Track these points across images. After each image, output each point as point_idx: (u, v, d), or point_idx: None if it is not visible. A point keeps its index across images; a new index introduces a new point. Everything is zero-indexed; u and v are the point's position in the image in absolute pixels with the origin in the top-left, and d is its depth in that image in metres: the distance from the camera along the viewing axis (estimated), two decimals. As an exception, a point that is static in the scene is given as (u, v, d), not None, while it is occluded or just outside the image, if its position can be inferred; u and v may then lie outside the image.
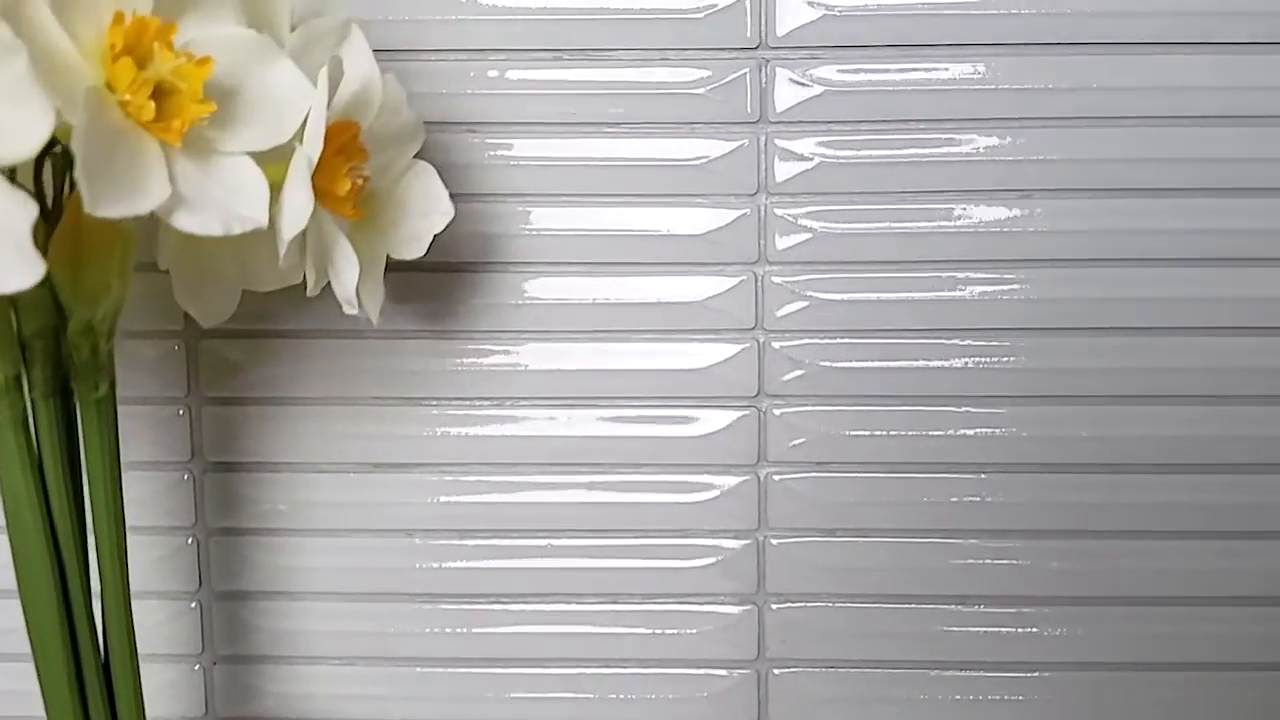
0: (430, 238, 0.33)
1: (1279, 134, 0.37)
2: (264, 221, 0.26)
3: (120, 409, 0.32)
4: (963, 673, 0.39)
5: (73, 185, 0.27)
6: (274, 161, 0.28)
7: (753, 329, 0.38)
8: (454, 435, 0.39)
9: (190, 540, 0.40)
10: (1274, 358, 0.38)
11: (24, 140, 0.23)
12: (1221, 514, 0.38)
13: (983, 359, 0.38)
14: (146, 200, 0.24)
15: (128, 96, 0.25)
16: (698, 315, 0.38)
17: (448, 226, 0.33)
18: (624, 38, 0.37)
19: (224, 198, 0.26)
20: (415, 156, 0.33)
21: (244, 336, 0.39)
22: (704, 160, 0.38)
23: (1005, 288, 0.38)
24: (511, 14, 0.37)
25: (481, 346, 0.39)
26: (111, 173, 0.24)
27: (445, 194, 0.33)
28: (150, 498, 0.39)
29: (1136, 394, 0.38)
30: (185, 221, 0.25)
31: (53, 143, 0.24)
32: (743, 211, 0.38)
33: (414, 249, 0.33)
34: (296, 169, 0.27)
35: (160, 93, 0.25)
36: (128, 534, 0.31)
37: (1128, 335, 0.38)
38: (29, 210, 0.23)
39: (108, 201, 0.23)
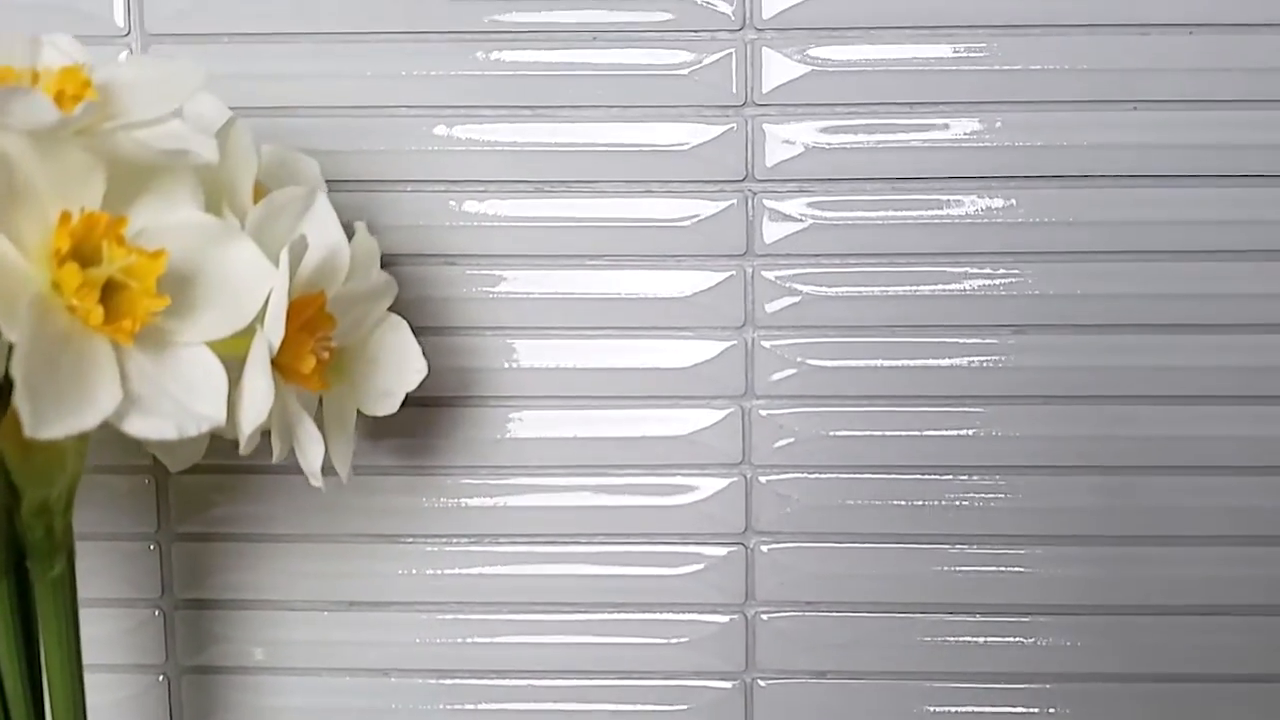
0: (404, 395, 0.32)
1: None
2: (222, 419, 0.25)
3: (89, 544, 0.31)
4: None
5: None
6: (232, 341, 0.27)
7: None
8: (432, 574, 0.38)
9: (161, 678, 0.39)
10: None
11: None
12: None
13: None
14: (95, 412, 0.23)
15: (75, 301, 0.23)
16: (684, 450, 0.37)
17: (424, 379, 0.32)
18: (607, 170, 0.36)
19: (180, 394, 0.25)
20: (391, 307, 0.32)
21: (215, 472, 0.37)
22: (689, 294, 0.37)
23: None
24: (492, 146, 0.36)
25: (461, 482, 0.38)
26: (56, 389, 0.23)
27: (418, 350, 0.32)
28: (119, 635, 0.38)
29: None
30: (137, 426, 0.24)
31: None
32: (731, 343, 0.37)
33: (386, 406, 0.32)
34: (257, 355, 0.26)
35: (111, 287, 0.24)
36: (96, 672, 0.31)
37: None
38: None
39: (50, 423, 0.22)
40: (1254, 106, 0.35)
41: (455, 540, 0.38)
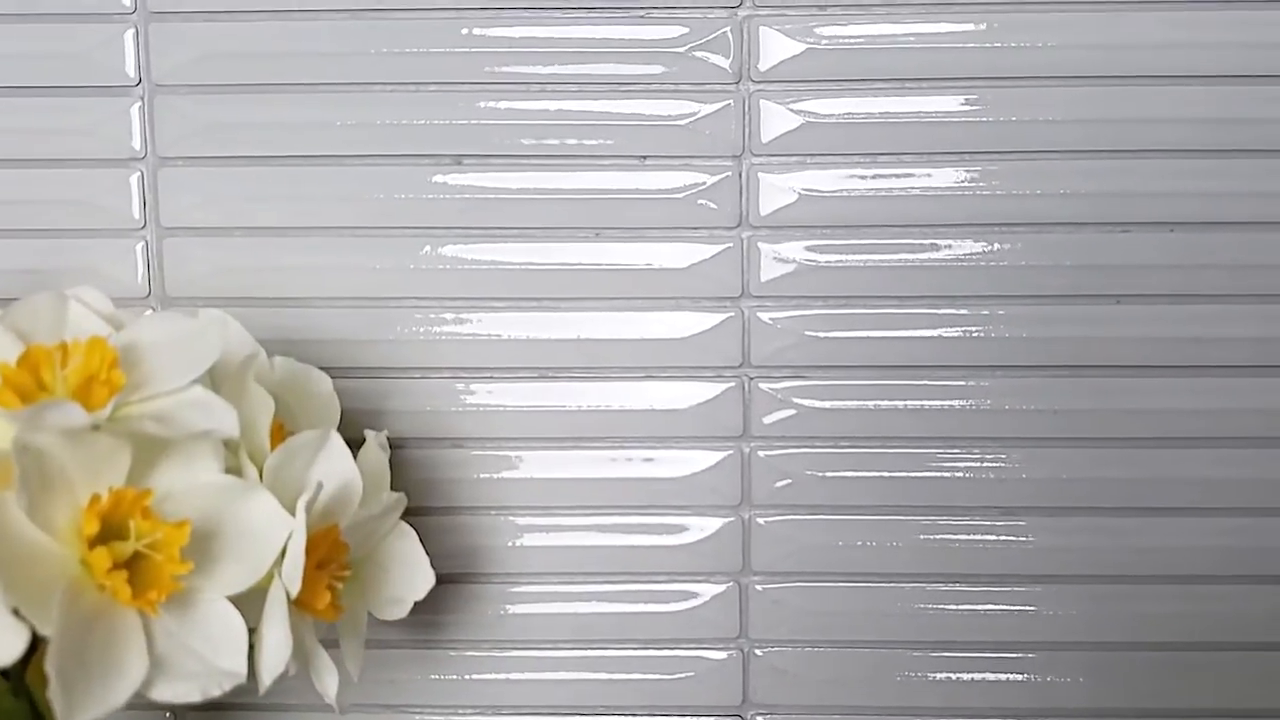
0: (412, 603, 0.33)
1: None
2: (243, 675, 0.26)
3: None
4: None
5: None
6: (252, 589, 0.28)
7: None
8: (438, 745, 0.39)
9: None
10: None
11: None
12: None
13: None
14: (125, 687, 0.24)
15: (105, 582, 0.25)
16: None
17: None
18: (608, 358, 0.37)
19: (204, 650, 0.26)
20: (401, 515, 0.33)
21: (231, 709, 0.38)
22: (692, 473, 0.38)
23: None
24: (497, 337, 0.37)
25: (466, 655, 0.39)
26: (86, 673, 0.24)
27: (426, 560, 0.33)
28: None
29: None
30: (164, 693, 0.25)
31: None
32: (728, 519, 0.38)
33: (396, 612, 0.33)
34: (275, 608, 0.27)
35: (136, 558, 0.25)
36: None
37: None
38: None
39: (84, 709, 0.23)
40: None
41: (460, 711, 0.39)
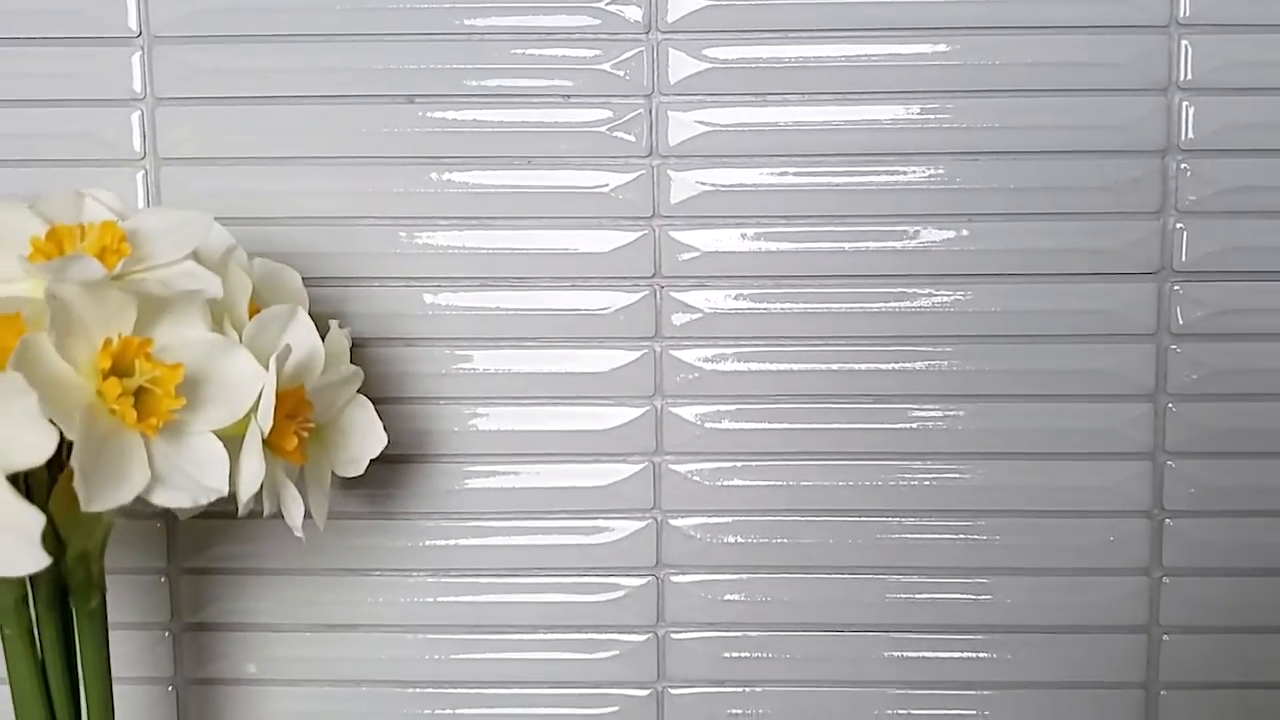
0: (367, 461, 0.39)
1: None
2: (225, 491, 0.33)
3: (111, 578, 0.39)
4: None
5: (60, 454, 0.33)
6: (233, 427, 0.34)
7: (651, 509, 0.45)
8: (396, 601, 0.45)
9: (170, 689, 0.46)
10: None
11: (34, 455, 0.30)
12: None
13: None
14: (130, 489, 0.31)
15: (114, 407, 0.31)
16: (604, 498, 0.45)
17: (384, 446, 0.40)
18: (538, 268, 0.44)
19: (193, 471, 0.33)
20: (359, 389, 0.40)
21: (215, 518, 0.45)
22: (608, 370, 0.44)
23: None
24: (443, 250, 0.44)
25: (420, 525, 0.45)
26: (102, 474, 0.30)
27: (380, 425, 0.39)
28: (136, 653, 0.46)
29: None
30: (161, 498, 0.32)
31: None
32: (643, 409, 0.45)
33: (354, 470, 0.39)
34: (251, 441, 0.34)
35: (140, 391, 0.32)
36: (117, 684, 0.38)
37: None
38: (39, 520, 0.29)
39: (100, 499, 0.30)
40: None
41: (414, 573, 0.46)
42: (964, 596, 0.45)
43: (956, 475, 0.44)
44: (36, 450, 0.30)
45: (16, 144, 0.44)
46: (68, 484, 0.32)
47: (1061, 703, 0.45)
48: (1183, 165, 0.43)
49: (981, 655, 0.45)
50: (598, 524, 0.45)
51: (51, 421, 0.30)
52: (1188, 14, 0.42)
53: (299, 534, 0.37)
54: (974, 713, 0.45)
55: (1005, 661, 0.45)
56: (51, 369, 0.30)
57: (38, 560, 0.30)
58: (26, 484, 0.33)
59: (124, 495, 0.31)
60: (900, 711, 0.46)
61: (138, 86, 0.44)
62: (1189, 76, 0.43)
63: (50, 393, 0.30)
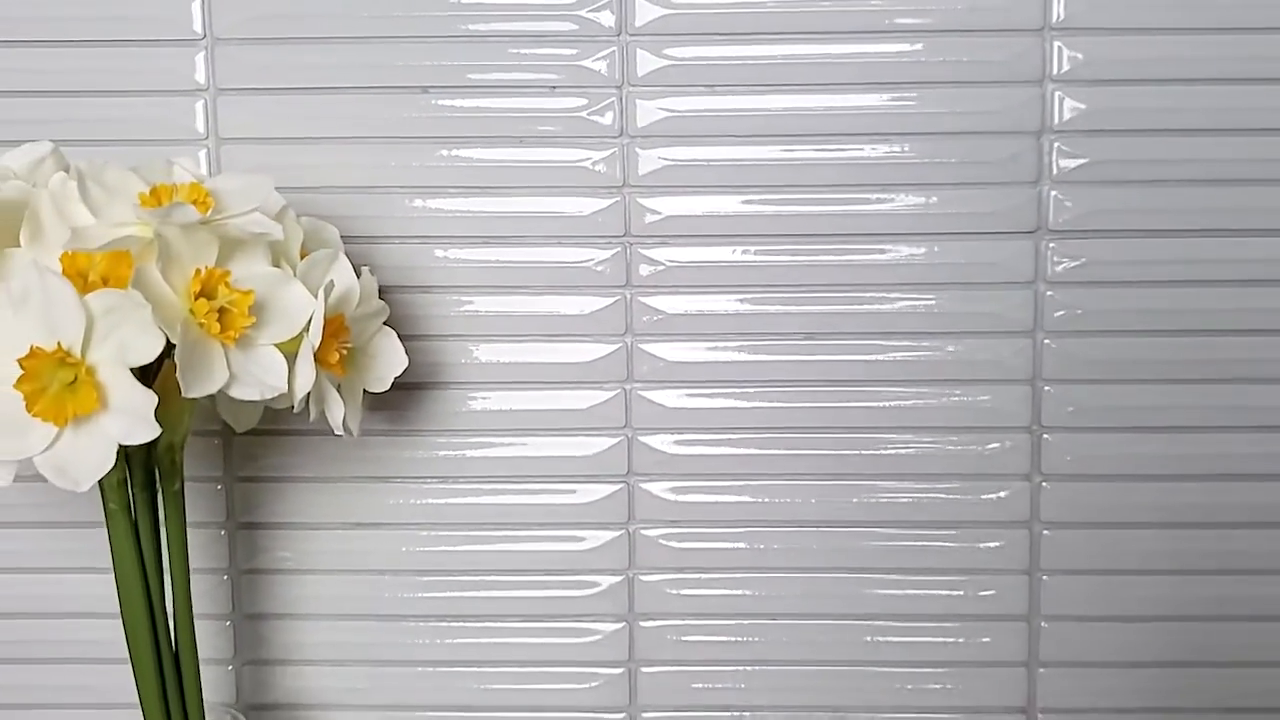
0: (391, 379, 0.49)
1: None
2: (284, 389, 0.42)
3: None
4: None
5: (159, 362, 0.43)
6: (289, 343, 0.44)
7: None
8: (412, 503, 0.55)
9: (225, 578, 0.56)
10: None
11: (149, 352, 0.39)
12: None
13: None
14: (215, 382, 0.41)
15: (203, 321, 0.41)
16: (580, 419, 0.55)
17: (405, 369, 0.49)
18: (529, 229, 0.54)
19: (259, 373, 0.42)
20: (384, 321, 0.49)
21: (263, 434, 0.55)
22: (592, 311, 0.54)
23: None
24: (451, 214, 0.54)
25: (433, 440, 0.55)
26: (195, 370, 0.40)
27: (401, 350, 0.49)
28: (197, 548, 0.56)
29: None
30: (236, 391, 0.41)
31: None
32: (615, 348, 0.54)
33: (380, 386, 0.49)
34: (304, 352, 0.43)
35: (221, 311, 0.42)
36: None
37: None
38: (152, 400, 0.39)
39: (195, 388, 0.40)
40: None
41: (428, 480, 0.55)
42: (889, 497, 0.55)
43: (876, 397, 0.54)
44: (149, 349, 0.39)
45: (104, 127, 0.53)
46: (168, 378, 0.42)
47: (949, 588, 0.55)
48: (1055, 143, 0.53)
49: (900, 544, 0.55)
50: (579, 440, 0.55)
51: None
52: (1060, 18, 0.52)
53: (339, 431, 0.46)
54: (894, 594, 0.55)
55: (910, 550, 0.55)
56: (158, 291, 0.40)
57: (151, 430, 0.39)
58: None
59: (211, 386, 0.41)
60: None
61: (202, 79, 0.53)
62: (1062, 70, 0.52)
63: (158, 308, 0.40)
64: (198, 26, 0.53)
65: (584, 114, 0.53)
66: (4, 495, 0.55)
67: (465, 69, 0.53)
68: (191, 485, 0.55)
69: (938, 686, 0.55)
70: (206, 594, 0.56)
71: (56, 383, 0.39)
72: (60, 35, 0.53)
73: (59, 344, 0.39)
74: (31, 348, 0.39)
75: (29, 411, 0.39)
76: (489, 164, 0.54)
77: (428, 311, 0.54)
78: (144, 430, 0.39)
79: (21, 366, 0.38)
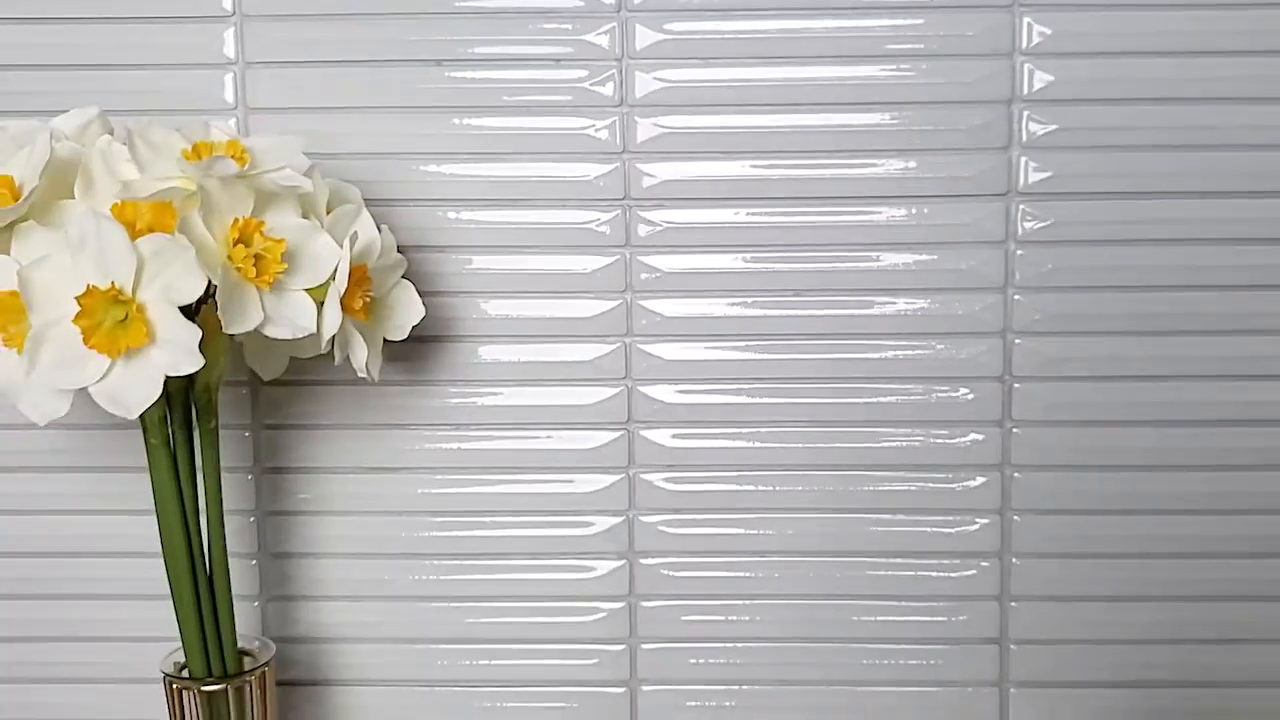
0: (409, 328, 0.53)
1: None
2: (313, 329, 0.47)
3: None
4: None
5: (200, 303, 0.47)
6: (317, 289, 0.48)
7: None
8: (426, 448, 0.59)
9: (252, 519, 0.60)
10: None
11: (193, 292, 0.43)
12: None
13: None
14: (251, 321, 0.45)
15: (240, 265, 0.45)
16: (585, 370, 0.59)
17: (422, 319, 0.53)
18: (535, 192, 0.58)
19: (291, 316, 0.46)
20: (402, 275, 0.53)
21: (288, 384, 0.59)
22: (593, 269, 0.58)
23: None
24: (463, 178, 0.58)
25: (445, 389, 0.59)
26: (234, 309, 0.44)
27: (419, 300, 0.53)
28: (227, 490, 0.59)
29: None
30: (270, 330, 0.46)
31: (202, 292, 0.44)
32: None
33: (399, 334, 0.53)
34: (331, 297, 0.47)
35: (256, 257, 0.46)
36: None
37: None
38: (195, 333, 0.43)
39: (234, 326, 0.44)
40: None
41: (441, 427, 0.59)
42: (861, 443, 0.59)
43: (862, 349, 0.58)
44: (194, 289, 0.44)
45: (141, 98, 0.57)
46: (208, 318, 0.46)
47: (921, 526, 0.59)
48: (1025, 112, 0.57)
49: (888, 487, 0.59)
50: (580, 389, 0.59)
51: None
52: (1029, -3, 0.56)
53: (361, 373, 0.50)
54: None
55: (880, 493, 0.59)
56: (200, 237, 0.44)
57: (195, 361, 0.43)
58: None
59: (248, 325, 0.45)
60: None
61: (231, 53, 0.57)
62: (1031, 44, 0.56)
63: (200, 253, 0.44)
64: (228, 4, 0.57)
65: (586, 85, 0.57)
66: (48, 440, 0.59)
67: (475, 43, 0.57)
68: (222, 433, 0.59)
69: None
70: (235, 534, 0.60)
71: (110, 319, 0.43)
72: (101, 12, 0.57)
73: (112, 284, 0.43)
74: (88, 287, 0.43)
75: (86, 344, 0.43)
76: (497, 132, 0.58)
77: (441, 269, 0.58)
78: (189, 361, 0.43)
79: (79, 304, 0.43)
